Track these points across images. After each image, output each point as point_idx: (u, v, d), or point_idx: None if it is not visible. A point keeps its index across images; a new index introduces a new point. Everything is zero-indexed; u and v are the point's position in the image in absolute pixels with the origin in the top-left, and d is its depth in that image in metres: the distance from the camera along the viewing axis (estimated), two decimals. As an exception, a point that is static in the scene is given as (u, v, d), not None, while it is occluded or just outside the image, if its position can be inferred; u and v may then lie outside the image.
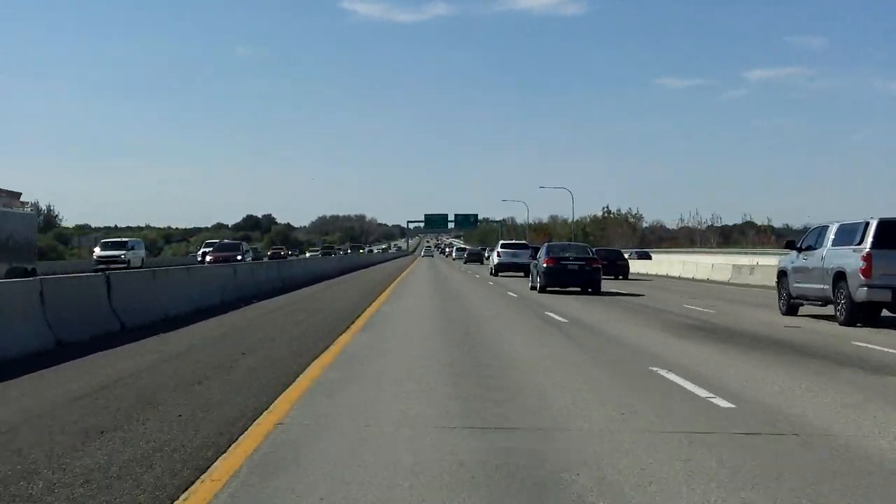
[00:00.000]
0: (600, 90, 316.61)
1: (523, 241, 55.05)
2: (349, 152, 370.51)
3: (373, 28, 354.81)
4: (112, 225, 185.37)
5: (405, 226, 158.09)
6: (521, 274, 46.40)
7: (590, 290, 28.40)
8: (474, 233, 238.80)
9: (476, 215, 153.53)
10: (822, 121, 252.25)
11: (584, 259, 28.37)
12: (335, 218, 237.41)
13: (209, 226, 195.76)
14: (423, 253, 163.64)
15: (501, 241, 50.66)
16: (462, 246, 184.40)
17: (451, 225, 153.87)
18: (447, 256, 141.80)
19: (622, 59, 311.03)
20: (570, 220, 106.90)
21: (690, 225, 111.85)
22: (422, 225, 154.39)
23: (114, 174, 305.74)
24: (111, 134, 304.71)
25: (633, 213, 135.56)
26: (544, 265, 28.11)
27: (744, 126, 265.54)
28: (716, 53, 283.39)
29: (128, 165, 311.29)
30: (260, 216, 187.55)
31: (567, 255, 28.70)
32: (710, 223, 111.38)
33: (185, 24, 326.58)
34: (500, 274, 46.59)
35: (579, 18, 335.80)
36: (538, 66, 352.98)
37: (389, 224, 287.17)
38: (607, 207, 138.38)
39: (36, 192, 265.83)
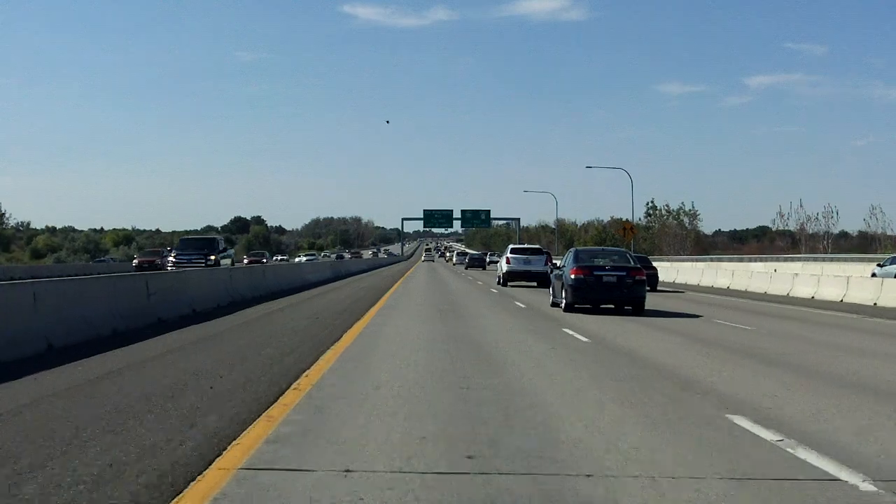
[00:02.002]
0: (599, 95, 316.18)
1: (537, 246, 48.78)
2: (348, 156, 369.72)
3: (374, 33, 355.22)
4: (98, 227, 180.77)
5: (401, 225, 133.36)
6: (534, 284, 40.51)
7: (629, 307, 22.36)
8: (477, 236, 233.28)
9: (488, 211, 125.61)
10: (824, 127, 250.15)
11: (623, 269, 22.27)
12: (329, 220, 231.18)
13: (199, 228, 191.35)
14: (423, 258, 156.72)
15: (511, 246, 44.38)
16: (463, 250, 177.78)
17: (456, 224, 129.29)
18: (448, 261, 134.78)
19: (622, 65, 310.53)
20: (607, 219, 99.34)
21: (792, 226, 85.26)
22: (421, 226, 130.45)
23: (105, 177, 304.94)
24: (106, 137, 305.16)
25: (687, 209, 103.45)
26: (572, 276, 22.02)
27: (744, 132, 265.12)
28: (716, 60, 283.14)
29: (119, 168, 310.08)
30: (249, 218, 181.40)
31: (601, 262, 22.60)
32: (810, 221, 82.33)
33: (184, 28, 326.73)
34: (509, 284, 40.59)
35: (580, 24, 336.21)
36: (539, 71, 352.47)
37: (388, 227, 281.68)
38: (652, 203, 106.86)
39: (19, 194, 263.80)
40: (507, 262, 40.80)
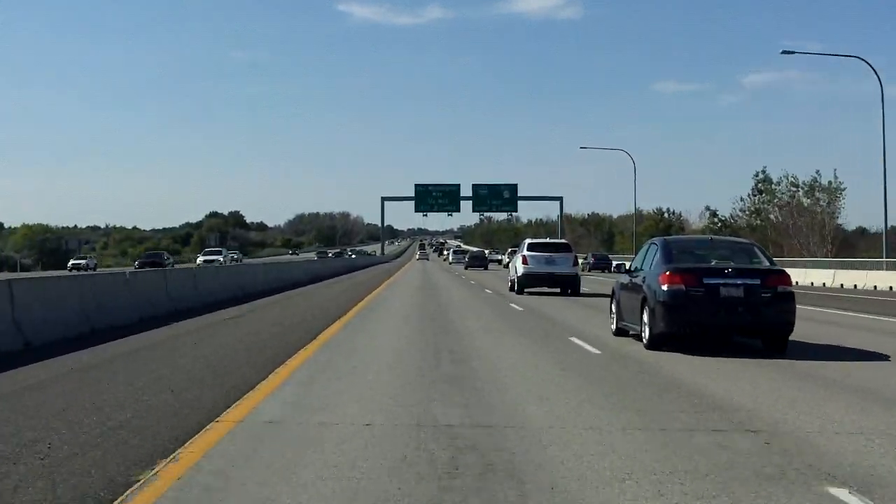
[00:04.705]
0: (597, 94, 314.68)
1: (563, 241, 39.78)
2: (342, 154, 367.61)
3: (370, 31, 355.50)
4: (72, 225, 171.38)
5: (381, 209, 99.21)
6: (558, 290, 31.75)
7: (762, 338, 13.53)
8: (477, 231, 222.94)
9: (514, 186, 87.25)
10: (819, 125, 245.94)
11: (753, 273, 13.34)
12: (314, 216, 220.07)
13: (177, 226, 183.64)
14: (416, 256, 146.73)
15: (529, 240, 35.13)
16: (460, 246, 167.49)
17: (465, 207, 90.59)
18: (445, 260, 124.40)
19: (618, 64, 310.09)
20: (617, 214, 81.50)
21: None
22: (412, 209, 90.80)
23: (102, 177, 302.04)
24: (104, 137, 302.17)
25: (826, 183, 68.20)
26: (664, 287, 13.08)
27: (741, 130, 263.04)
28: (713, 58, 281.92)
29: (116, 168, 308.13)
30: (226, 213, 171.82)
31: (714, 263, 13.66)
32: None
33: (178, 27, 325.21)
34: (526, 290, 31.80)
35: (575, 22, 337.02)
36: (537, 69, 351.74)
37: (380, 224, 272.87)
38: (763, 174, 71.65)
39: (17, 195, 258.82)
40: (524, 261, 31.89)
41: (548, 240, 37.15)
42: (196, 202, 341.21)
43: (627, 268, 15.62)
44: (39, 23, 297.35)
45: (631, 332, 15.06)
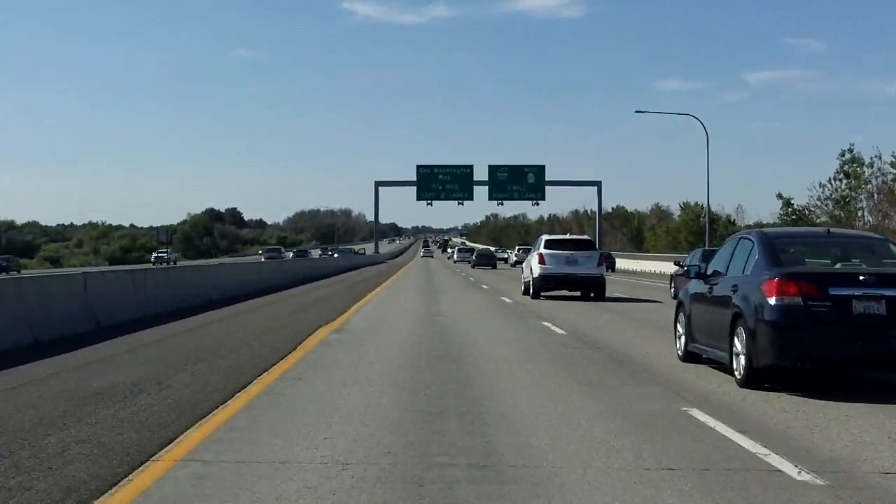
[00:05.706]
0: (598, 92, 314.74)
1: (585, 237, 35.69)
2: (342, 153, 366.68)
3: (371, 29, 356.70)
4: (68, 223, 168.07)
5: (375, 194, 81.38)
6: (578, 294, 27.78)
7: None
8: (484, 229, 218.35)
9: (541, 168, 71.50)
10: (821, 123, 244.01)
11: (899, 280, 9.39)
12: (314, 213, 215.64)
13: (175, 223, 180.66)
14: (420, 253, 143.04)
15: (546, 237, 30.90)
16: (465, 244, 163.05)
17: (479, 193, 73.68)
18: (449, 258, 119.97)
19: (621, 62, 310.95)
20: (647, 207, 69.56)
21: None
22: (413, 196, 71.68)
23: (103, 176, 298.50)
24: (105, 137, 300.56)
25: None
26: (771, 301, 9.15)
27: (741, 128, 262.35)
28: (714, 56, 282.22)
29: (117, 167, 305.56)
30: (223, 210, 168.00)
31: (843, 267, 9.86)
32: None
33: (178, 27, 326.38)
34: (542, 294, 27.89)
35: (578, 21, 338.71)
36: (539, 68, 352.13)
37: (383, 221, 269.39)
38: (850, 151, 53.74)
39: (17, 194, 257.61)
40: (541, 261, 27.83)
41: (568, 236, 33.11)
42: (196, 201, 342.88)
43: (701, 271, 11.63)
44: (39, 23, 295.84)
45: (704, 357, 11.21)
